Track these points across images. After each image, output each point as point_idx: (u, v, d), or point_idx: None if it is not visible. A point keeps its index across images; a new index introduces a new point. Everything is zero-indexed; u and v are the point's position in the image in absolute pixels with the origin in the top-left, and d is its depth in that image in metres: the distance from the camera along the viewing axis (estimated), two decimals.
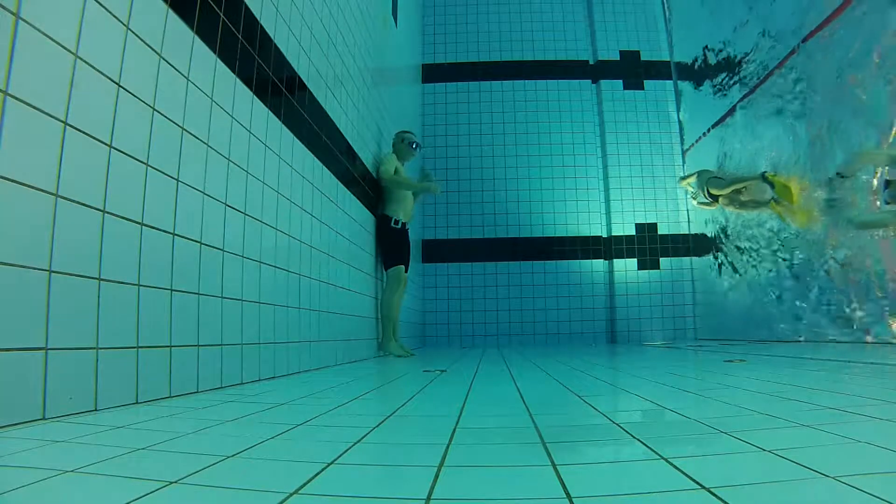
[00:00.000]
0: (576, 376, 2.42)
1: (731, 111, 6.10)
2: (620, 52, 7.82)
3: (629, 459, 0.95)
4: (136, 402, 1.54)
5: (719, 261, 6.51)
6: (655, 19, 7.93)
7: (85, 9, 1.37)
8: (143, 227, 1.60)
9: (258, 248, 2.37)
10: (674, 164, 7.39)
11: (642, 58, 7.80)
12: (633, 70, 7.75)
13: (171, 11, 1.74)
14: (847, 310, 4.29)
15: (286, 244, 2.68)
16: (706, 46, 6.69)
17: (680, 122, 7.51)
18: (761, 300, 5.58)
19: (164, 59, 1.71)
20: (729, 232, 6.27)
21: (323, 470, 0.86)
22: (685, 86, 7.36)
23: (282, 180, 2.63)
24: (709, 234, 6.77)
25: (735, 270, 6.13)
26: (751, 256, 5.80)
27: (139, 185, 1.59)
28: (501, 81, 7.89)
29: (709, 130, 6.65)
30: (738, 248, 6.05)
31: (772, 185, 4.98)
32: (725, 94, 6.25)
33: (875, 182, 3.83)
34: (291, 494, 0.73)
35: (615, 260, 7.29)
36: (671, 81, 7.67)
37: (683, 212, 7.30)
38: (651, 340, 6.93)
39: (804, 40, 4.75)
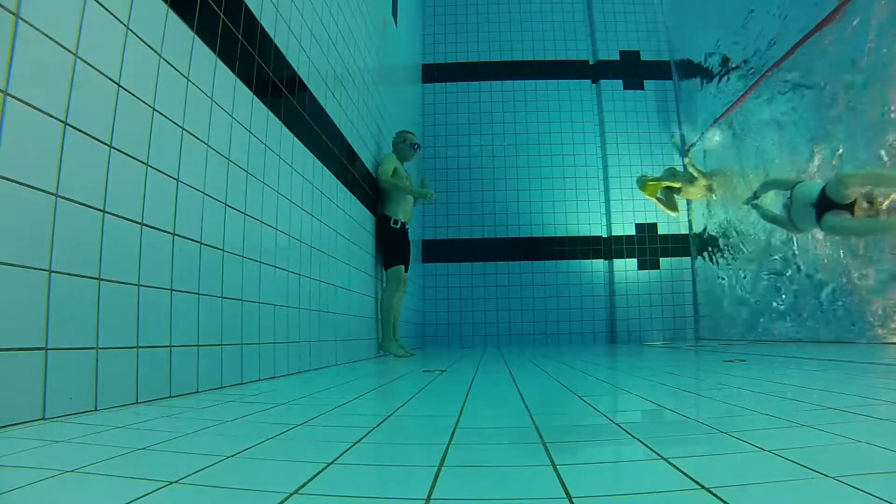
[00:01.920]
0: (576, 376, 2.42)
1: (731, 110, 6.10)
2: (620, 52, 7.82)
3: (629, 459, 0.95)
4: (136, 402, 1.54)
5: (717, 261, 6.51)
6: (655, 19, 7.93)
7: (85, 9, 1.37)
8: (143, 227, 1.60)
9: (258, 248, 2.37)
10: (674, 165, 7.38)
11: (642, 58, 7.80)
12: (633, 70, 7.75)
13: (171, 11, 1.74)
14: (844, 310, 4.30)
15: (286, 244, 2.68)
16: (706, 46, 6.69)
17: (680, 121, 7.50)
18: (760, 300, 5.58)
19: (164, 59, 1.71)
20: (726, 232, 6.27)
21: (323, 470, 0.86)
22: (685, 85, 7.36)
23: (282, 180, 2.63)
24: (706, 234, 6.78)
25: (732, 270, 6.14)
26: (748, 256, 5.80)
27: (139, 185, 1.59)
28: (501, 81, 7.89)
29: (708, 129, 6.65)
30: (736, 248, 6.05)
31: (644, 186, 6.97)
32: (725, 94, 6.24)
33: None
34: (291, 494, 0.73)
35: (615, 260, 7.29)
36: (671, 81, 7.66)
37: (683, 212, 7.30)
38: (651, 340, 6.93)
39: (803, 40, 4.75)
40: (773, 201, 5.01)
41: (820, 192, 3.98)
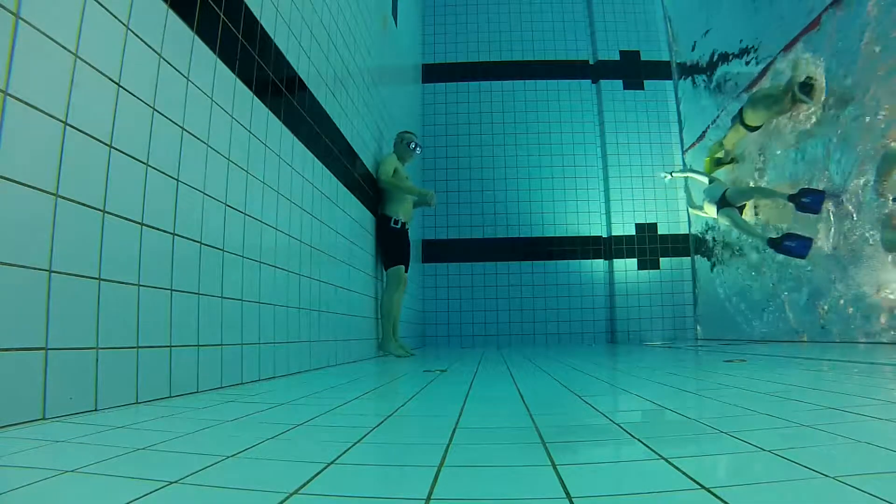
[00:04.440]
0: (575, 376, 2.42)
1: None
2: (620, 52, 7.83)
3: (629, 459, 0.95)
4: (136, 402, 1.54)
5: (716, 261, 6.51)
6: (655, 19, 7.93)
7: (85, 9, 1.37)
8: (143, 227, 1.60)
9: (258, 248, 2.37)
10: (674, 165, 7.39)
11: (642, 58, 7.80)
12: (633, 70, 7.75)
13: (171, 11, 1.74)
14: (842, 310, 4.30)
15: (286, 244, 2.68)
16: (705, 45, 6.68)
17: (680, 121, 7.51)
18: (759, 300, 5.58)
19: (164, 59, 1.71)
20: (723, 231, 6.27)
21: (323, 470, 0.86)
22: (685, 85, 7.36)
23: (282, 180, 2.63)
24: (704, 234, 6.77)
25: (732, 269, 6.13)
26: (745, 256, 5.80)
27: (139, 185, 1.59)
28: (501, 81, 7.89)
29: (708, 129, 6.65)
30: (733, 247, 6.05)
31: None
32: (725, 93, 6.24)
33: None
34: (291, 494, 0.73)
35: (615, 260, 7.29)
36: (671, 81, 7.66)
37: (683, 212, 7.30)
38: (651, 340, 6.93)
39: (800, 36, 4.75)
40: (696, 194, 6.41)
41: (721, 194, 5.55)
